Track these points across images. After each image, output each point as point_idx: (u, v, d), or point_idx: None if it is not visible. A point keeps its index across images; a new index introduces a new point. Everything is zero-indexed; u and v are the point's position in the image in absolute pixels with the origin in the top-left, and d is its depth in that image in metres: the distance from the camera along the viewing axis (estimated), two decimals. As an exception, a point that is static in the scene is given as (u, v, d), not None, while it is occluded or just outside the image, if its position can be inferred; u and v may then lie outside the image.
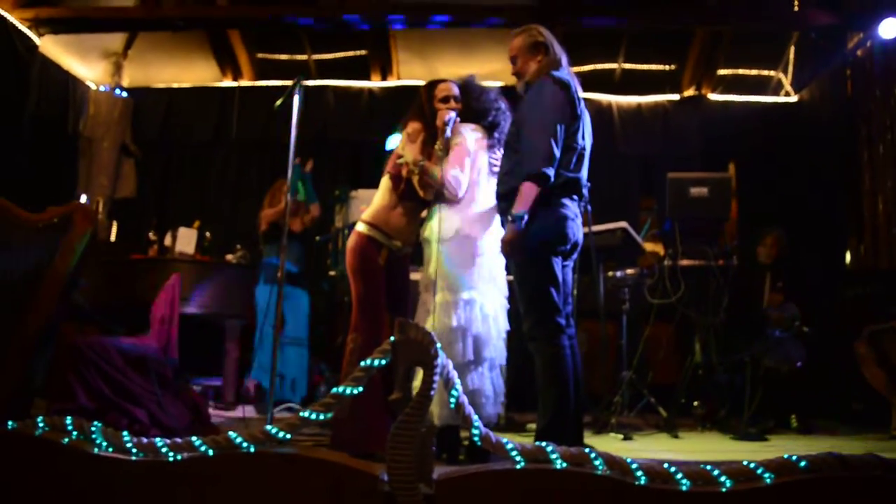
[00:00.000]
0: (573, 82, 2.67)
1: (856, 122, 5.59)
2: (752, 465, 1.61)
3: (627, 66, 6.78)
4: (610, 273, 4.36)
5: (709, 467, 1.66)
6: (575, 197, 2.66)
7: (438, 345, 1.70)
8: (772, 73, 6.71)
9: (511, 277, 2.77)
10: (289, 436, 1.71)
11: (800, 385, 4.14)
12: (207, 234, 5.18)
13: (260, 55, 6.93)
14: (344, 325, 3.86)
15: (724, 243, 4.37)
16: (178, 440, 1.73)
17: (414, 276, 3.39)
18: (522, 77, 2.79)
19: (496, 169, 2.92)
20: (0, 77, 5.24)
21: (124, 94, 6.68)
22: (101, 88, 6.63)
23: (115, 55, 6.60)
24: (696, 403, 4.32)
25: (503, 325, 2.92)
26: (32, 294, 2.28)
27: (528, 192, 2.52)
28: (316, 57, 6.86)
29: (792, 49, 6.50)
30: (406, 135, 3.00)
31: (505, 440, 1.73)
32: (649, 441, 3.66)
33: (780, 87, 6.71)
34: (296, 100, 3.05)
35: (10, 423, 1.88)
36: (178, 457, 1.69)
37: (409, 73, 6.80)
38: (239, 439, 1.69)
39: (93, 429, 1.79)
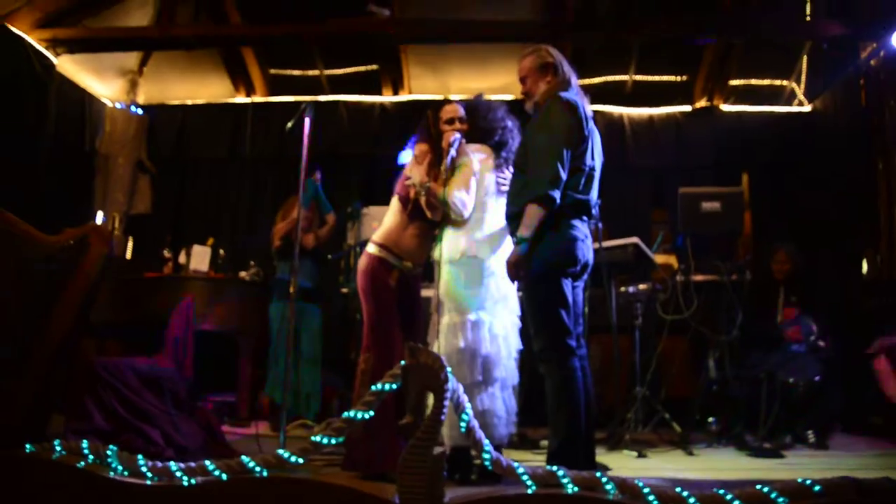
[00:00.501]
0: (581, 103, 2.68)
1: (870, 132, 5.54)
2: (766, 490, 1.60)
3: (638, 77, 6.74)
4: (622, 288, 4.34)
5: (722, 491, 1.65)
6: (584, 218, 2.66)
7: (449, 369, 1.71)
8: (784, 82, 6.66)
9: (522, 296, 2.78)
10: (301, 460, 1.73)
11: (816, 400, 4.09)
12: (221, 251, 5.23)
13: (273, 71, 6.99)
14: (356, 341, 3.88)
15: (738, 258, 4.34)
16: (192, 464, 1.75)
17: (426, 292, 3.40)
18: (531, 97, 2.81)
19: (504, 188, 2.93)
20: (19, 96, 5.33)
21: (140, 111, 6.77)
22: (117, 106, 6.73)
23: (130, 73, 6.68)
24: (710, 419, 4.28)
25: (514, 344, 2.93)
26: (50, 314, 2.32)
27: (533, 214, 2.52)
28: (328, 72, 6.90)
29: (805, 58, 6.47)
30: (413, 156, 3.03)
31: (516, 464, 1.73)
32: (664, 458, 3.63)
33: (793, 97, 6.65)
34: (307, 122, 3.10)
35: (28, 446, 1.91)
36: (193, 481, 1.72)
37: (421, 87, 6.82)
38: (252, 464, 1.71)
39: (108, 452, 1.82)
